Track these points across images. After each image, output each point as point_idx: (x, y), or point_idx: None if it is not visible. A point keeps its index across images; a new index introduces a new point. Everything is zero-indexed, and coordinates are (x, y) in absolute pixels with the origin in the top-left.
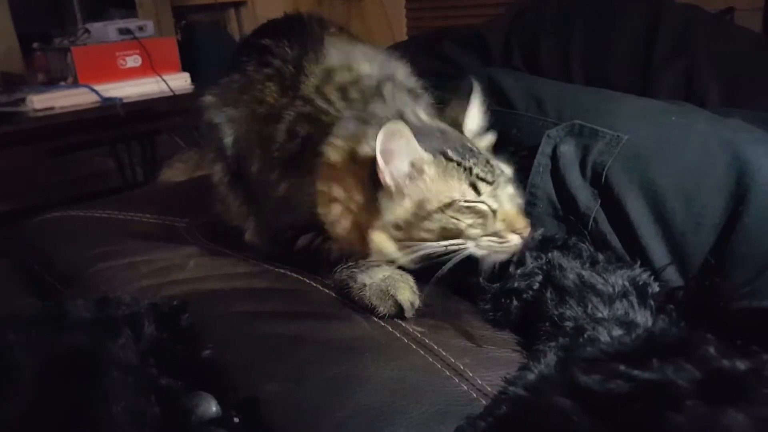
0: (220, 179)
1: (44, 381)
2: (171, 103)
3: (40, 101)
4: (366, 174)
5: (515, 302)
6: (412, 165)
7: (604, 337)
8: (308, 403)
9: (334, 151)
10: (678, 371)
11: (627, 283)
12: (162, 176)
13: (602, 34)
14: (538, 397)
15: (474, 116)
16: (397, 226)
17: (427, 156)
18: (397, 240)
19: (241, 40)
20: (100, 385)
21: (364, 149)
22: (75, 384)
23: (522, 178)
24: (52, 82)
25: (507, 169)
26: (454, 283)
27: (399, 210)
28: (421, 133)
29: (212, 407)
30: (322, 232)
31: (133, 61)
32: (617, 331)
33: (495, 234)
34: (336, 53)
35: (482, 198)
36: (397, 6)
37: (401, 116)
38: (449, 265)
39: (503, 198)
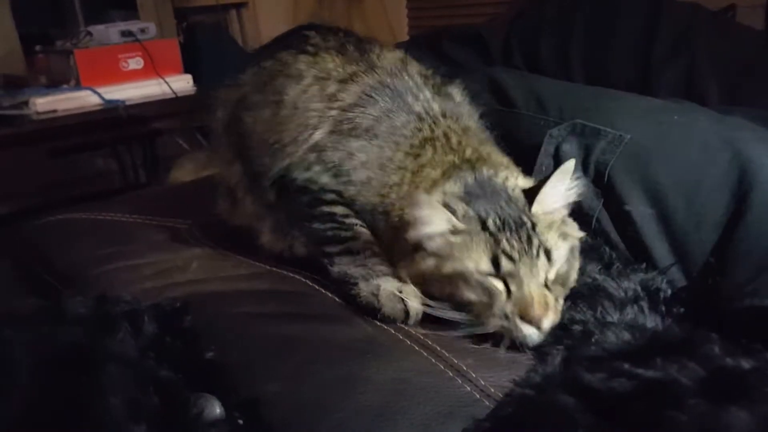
0: (239, 180)
1: (42, 377)
2: (173, 104)
3: (42, 104)
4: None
5: None
6: (446, 228)
7: (611, 341)
8: (309, 403)
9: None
10: (681, 370)
11: (639, 288)
12: (171, 176)
13: (603, 32)
14: (542, 396)
15: (550, 192)
16: (418, 276)
17: (460, 225)
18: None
19: (280, 35)
20: (97, 380)
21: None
22: (73, 379)
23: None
24: (54, 85)
25: (561, 247)
26: None
27: (423, 265)
28: (475, 194)
29: (216, 409)
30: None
31: (135, 63)
32: (626, 336)
33: (505, 317)
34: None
35: (501, 273)
36: (397, 6)
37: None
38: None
39: (528, 280)
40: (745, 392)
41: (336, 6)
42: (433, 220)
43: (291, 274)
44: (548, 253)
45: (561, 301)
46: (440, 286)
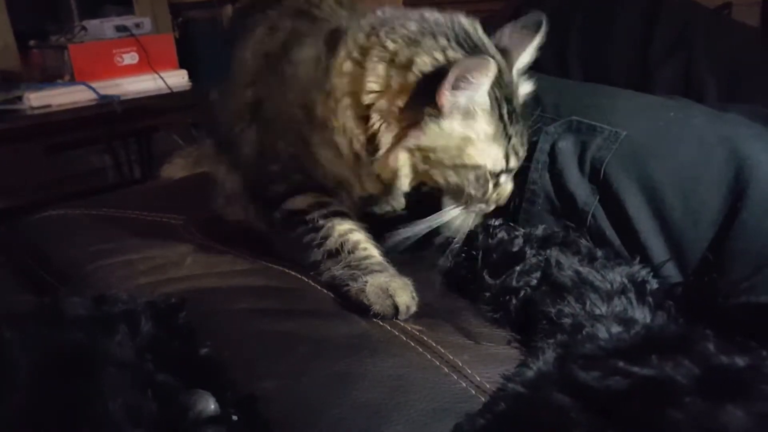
0: (213, 151)
1: (40, 378)
2: (168, 100)
3: (36, 99)
4: (416, 86)
5: (514, 301)
6: (472, 106)
7: (602, 334)
8: (306, 400)
9: (368, 48)
10: (677, 367)
11: (625, 280)
12: (162, 172)
13: (600, 29)
14: (537, 394)
15: (528, 54)
16: (426, 158)
17: (488, 107)
18: (415, 170)
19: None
20: (96, 382)
21: (424, 61)
22: (71, 380)
23: (520, 175)
24: (48, 80)
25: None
26: (453, 281)
27: (440, 139)
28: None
29: (210, 405)
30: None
31: (130, 58)
32: (616, 328)
33: (484, 202)
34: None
35: (508, 169)
36: (395, 3)
37: (465, 31)
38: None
39: (511, 176)
40: (741, 390)
41: None
42: (477, 89)
43: (287, 270)
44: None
45: None
46: (448, 174)
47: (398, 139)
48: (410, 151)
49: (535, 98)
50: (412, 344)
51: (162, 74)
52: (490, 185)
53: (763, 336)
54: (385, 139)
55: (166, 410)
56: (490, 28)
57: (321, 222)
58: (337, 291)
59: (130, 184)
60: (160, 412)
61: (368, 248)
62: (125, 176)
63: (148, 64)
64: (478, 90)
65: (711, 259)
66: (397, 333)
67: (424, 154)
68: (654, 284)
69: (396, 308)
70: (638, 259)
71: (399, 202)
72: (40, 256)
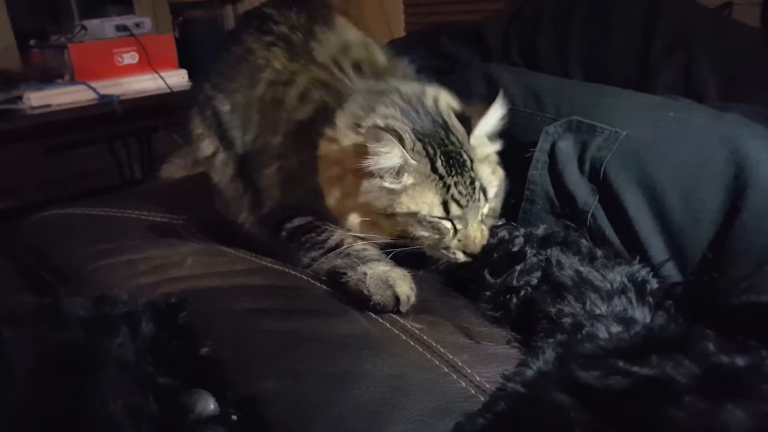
0: (211, 155)
1: (40, 377)
2: (168, 100)
3: (37, 98)
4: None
5: (515, 300)
6: (399, 165)
7: (602, 333)
8: (306, 399)
9: (341, 122)
10: (677, 367)
11: (625, 280)
12: (162, 172)
13: (600, 29)
14: (537, 393)
15: (488, 123)
16: (369, 211)
17: (413, 163)
18: (365, 222)
19: (241, 14)
20: (96, 382)
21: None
22: (71, 380)
23: (519, 175)
24: (48, 80)
25: (493, 182)
26: (453, 280)
27: (374, 194)
28: (422, 130)
29: (210, 405)
30: (322, 215)
31: (130, 58)
32: (616, 328)
33: (446, 248)
34: (350, 29)
35: (450, 216)
36: (394, 3)
37: (418, 98)
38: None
39: (471, 219)
40: (741, 389)
41: (332, 1)
42: (389, 155)
43: (287, 270)
44: (485, 192)
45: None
46: (392, 224)
47: (354, 197)
48: (356, 208)
49: (535, 98)
50: (412, 343)
51: (162, 74)
52: (449, 230)
53: (763, 335)
54: (350, 200)
55: (166, 411)
56: (488, 30)
57: (323, 227)
58: (336, 283)
59: (131, 184)
60: (161, 414)
61: (367, 245)
62: (125, 176)
63: (148, 63)
64: (387, 157)
65: (711, 259)
66: (397, 332)
67: (367, 209)
68: (654, 284)
69: (396, 299)
70: (638, 258)
71: None
72: (40, 257)
